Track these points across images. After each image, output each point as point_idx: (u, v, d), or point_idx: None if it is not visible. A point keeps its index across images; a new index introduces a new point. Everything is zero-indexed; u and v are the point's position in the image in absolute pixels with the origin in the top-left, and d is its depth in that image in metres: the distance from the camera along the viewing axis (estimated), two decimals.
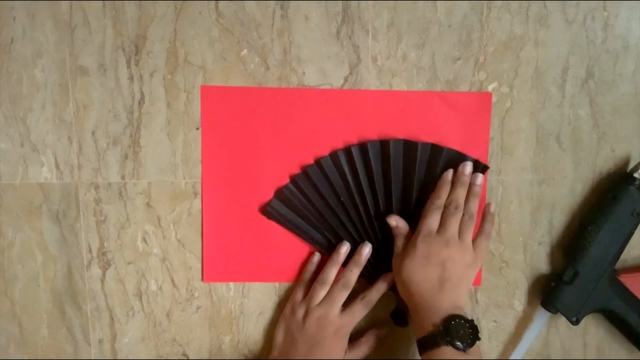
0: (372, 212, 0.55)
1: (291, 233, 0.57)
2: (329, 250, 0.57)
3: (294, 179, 0.55)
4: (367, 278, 0.57)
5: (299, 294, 0.56)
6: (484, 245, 0.53)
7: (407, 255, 0.52)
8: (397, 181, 0.55)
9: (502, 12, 0.54)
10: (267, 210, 0.56)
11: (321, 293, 0.54)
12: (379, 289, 0.55)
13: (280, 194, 0.56)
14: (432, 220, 0.52)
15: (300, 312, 0.55)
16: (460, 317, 0.48)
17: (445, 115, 0.55)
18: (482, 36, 0.55)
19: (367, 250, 0.55)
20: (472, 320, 0.48)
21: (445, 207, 0.53)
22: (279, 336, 0.56)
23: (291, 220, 0.56)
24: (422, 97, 0.55)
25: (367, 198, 0.55)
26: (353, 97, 0.55)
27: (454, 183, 0.54)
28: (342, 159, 0.55)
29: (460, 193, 0.53)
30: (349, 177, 0.55)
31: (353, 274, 0.55)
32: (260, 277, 0.58)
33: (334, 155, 0.55)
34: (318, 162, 0.55)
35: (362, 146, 0.55)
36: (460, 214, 0.52)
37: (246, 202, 0.56)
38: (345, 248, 0.56)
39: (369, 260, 0.56)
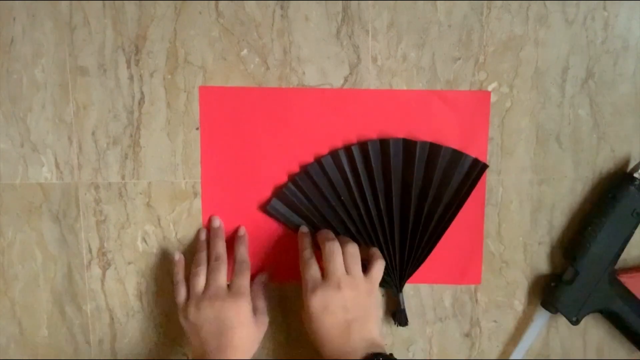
0: (372, 211, 0.55)
1: (291, 233, 0.57)
2: None
3: (294, 178, 0.55)
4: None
5: (180, 297, 0.53)
6: (377, 269, 0.52)
7: (305, 313, 0.51)
8: (397, 180, 0.55)
9: (502, 12, 0.54)
10: (267, 210, 0.56)
11: (199, 280, 0.52)
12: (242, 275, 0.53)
13: (280, 193, 0.56)
14: (313, 270, 0.51)
15: (191, 310, 0.51)
16: (379, 354, 0.47)
17: (444, 114, 0.55)
18: (482, 36, 0.55)
19: (216, 223, 0.55)
20: (392, 355, 0.47)
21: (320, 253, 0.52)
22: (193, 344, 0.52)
23: (291, 220, 0.56)
24: (421, 96, 0.55)
25: (367, 197, 0.55)
26: (352, 97, 0.55)
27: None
28: (343, 158, 0.55)
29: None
30: (350, 176, 0.55)
31: (218, 246, 0.53)
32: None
33: (334, 154, 0.55)
34: (319, 160, 0.55)
35: (363, 145, 0.55)
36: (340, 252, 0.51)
37: (246, 201, 0.56)
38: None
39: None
